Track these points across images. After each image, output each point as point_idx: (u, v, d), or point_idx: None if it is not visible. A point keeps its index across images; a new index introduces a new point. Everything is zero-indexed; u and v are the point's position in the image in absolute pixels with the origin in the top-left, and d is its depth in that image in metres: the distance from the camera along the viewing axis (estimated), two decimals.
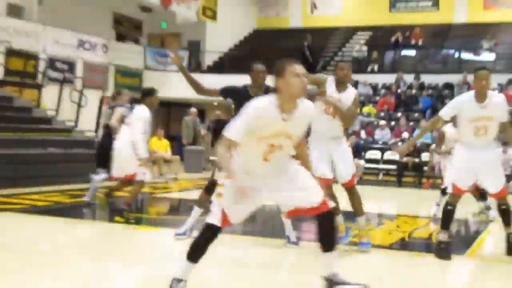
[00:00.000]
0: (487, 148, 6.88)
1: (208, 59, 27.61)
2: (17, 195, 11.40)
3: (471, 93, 6.81)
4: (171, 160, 17.73)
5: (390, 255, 7.34)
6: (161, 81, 24.63)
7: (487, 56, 23.94)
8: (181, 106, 24.22)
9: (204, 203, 7.40)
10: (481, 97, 6.66)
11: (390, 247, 7.83)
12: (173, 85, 24.40)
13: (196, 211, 7.55)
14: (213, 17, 24.82)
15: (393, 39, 25.88)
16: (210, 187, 7.25)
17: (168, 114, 26.89)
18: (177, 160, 18.25)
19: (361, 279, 4.95)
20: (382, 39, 26.87)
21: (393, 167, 18.09)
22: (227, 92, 7.05)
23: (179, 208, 12.13)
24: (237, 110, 6.35)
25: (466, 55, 24.64)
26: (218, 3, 25.26)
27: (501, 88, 21.38)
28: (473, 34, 25.81)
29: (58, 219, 9.26)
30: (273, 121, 4.62)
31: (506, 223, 7.02)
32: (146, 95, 9.05)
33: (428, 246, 8.02)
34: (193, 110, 20.93)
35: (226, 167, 4.60)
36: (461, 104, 6.80)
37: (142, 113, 8.78)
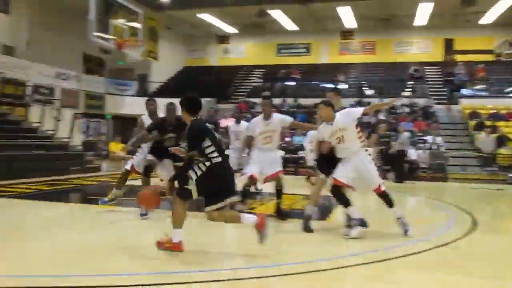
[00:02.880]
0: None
1: (153, 87, 27.16)
2: (10, 185, 10.82)
3: None
4: (126, 158, 17.24)
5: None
6: (118, 103, 24.04)
7: (342, 86, 24.38)
8: (133, 119, 23.62)
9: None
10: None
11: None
12: (126, 106, 23.89)
13: None
14: (155, 57, 24.37)
15: (279, 74, 26.08)
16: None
17: (123, 125, 26.18)
18: (130, 158, 17.75)
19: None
20: (272, 74, 26.89)
21: None
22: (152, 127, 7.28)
23: (131, 192, 11.76)
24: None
25: (327, 85, 24.56)
26: (159, 48, 24.83)
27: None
28: (332, 71, 26.29)
29: (41, 202, 8.85)
30: None
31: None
32: None
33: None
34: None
35: None
36: None
37: None
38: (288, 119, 7.21)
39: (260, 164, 7.14)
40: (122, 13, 15.57)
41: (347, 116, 6.03)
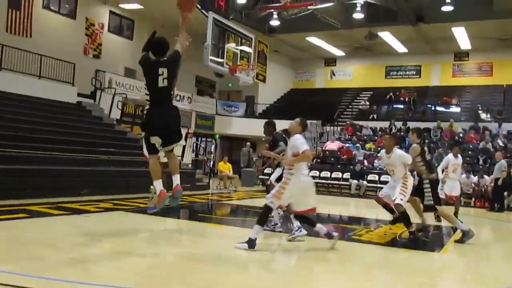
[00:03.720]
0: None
1: (260, 108, 27.72)
2: (127, 199, 11.44)
3: None
4: (233, 177, 17.70)
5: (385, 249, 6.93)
6: (226, 123, 24.79)
7: (455, 109, 23.24)
8: (240, 140, 24.26)
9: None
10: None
11: (385, 244, 7.34)
12: (234, 126, 24.55)
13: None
14: (263, 80, 24.88)
15: (387, 96, 25.56)
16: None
17: (231, 146, 26.96)
18: (237, 177, 18.19)
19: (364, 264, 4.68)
20: (380, 97, 26.48)
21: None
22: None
23: (237, 211, 11.96)
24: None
25: (439, 108, 24.05)
26: (267, 70, 25.34)
27: (465, 132, 20.81)
28: (444, 93, 25.34)
29: (154, 217, 9.18)
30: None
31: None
32: None
33: (411, 244, 7.37)
34: (248, 143, 20.94)
35: None
36: None
37: None
38: (407, 157, 7.29)
39: (387, 190, 7.66)
40: (235, 39, 16.05)
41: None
